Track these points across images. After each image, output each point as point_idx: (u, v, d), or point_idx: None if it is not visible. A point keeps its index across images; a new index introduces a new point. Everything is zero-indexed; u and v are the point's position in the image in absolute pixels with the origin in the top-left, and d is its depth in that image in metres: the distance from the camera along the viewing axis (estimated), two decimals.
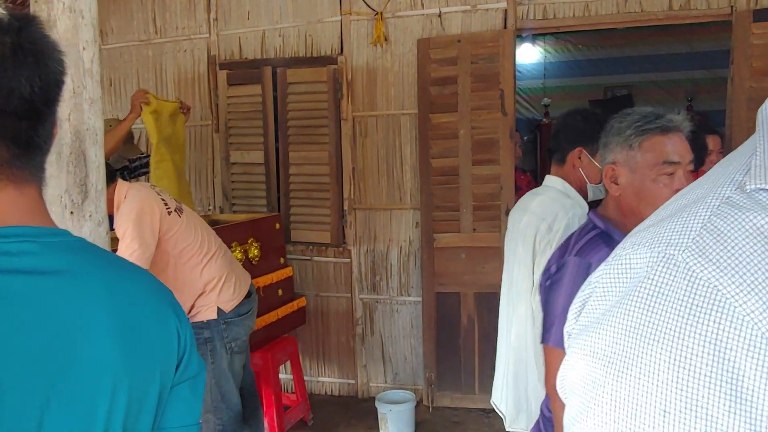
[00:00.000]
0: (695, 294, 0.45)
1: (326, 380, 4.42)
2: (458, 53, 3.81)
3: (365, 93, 4.11)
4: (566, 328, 0.61)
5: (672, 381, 0.44)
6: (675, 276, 0.46)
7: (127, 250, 2.55)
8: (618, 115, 1.58)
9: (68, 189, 1.53)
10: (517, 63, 3.85)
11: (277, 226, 3.88)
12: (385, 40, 4.00)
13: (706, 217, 0.48)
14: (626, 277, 0.50)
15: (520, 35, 4.09)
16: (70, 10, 1.51)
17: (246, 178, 4.42)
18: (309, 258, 4.34)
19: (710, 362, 0.43)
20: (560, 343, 1.46)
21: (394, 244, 4.16)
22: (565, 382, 0.56)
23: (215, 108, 4.41)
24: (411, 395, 3.83)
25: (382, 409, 3.72)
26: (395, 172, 4.10)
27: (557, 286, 1.55)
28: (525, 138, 6.63)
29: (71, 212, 1.54)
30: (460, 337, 3.97)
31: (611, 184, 1.55)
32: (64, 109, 1.51)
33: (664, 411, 0.44)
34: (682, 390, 0.43)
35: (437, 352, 4.03)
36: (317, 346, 4.40)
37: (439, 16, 3.91)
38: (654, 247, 0.49)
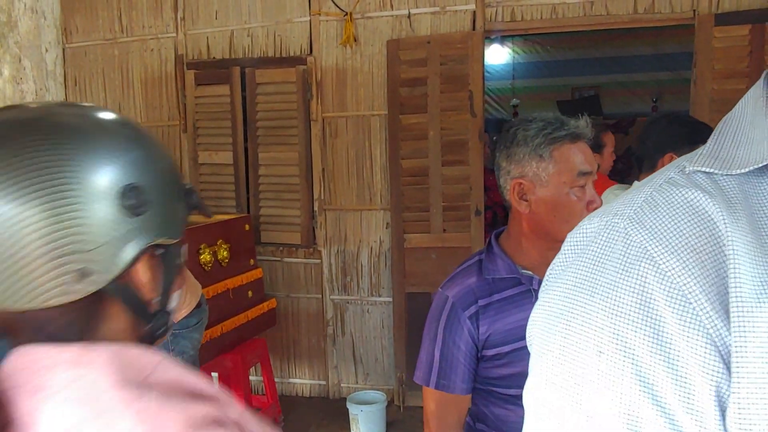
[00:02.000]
0: (629, 254, 0.52)
1: (297, 381, 4.40)
2: (427, 54, 3.82)
3: (335, 94, 4.10)
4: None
5: (606, 326, 0.51)
6: (615, 239, 0.54)
7: None
8: (518, 123, 1.42)
9: None
10: (486, 64, 3.88)
11: (247, 227, 3.85)
12: (355, 40, 3.99)
13: (649, 192, 0.55)
14: (580, 242, 0.58)
15: (488, 37, 4.12)
16: (32, 10, 1.48)
17: (215, 179, 4.38)
18: (279, 259, 4.32)
19: (638, 310, 0.50)
20: (426, 381, 1.50)
21: (364, 244, 4.16)
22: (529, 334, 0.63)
23: (183, 108, 4.36)
24: (382, 395, 3.84)
25: (353, 409, 3.72)
26: (365, 173, 4.10)
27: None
28: (494, 138, 6.68)
29: None
30: None
31: (520, 201, 1.38)
32: None
33: (600, 351, 0.51)
34: (614, 333, 0.50)
35: (408, 352, 4.04)
36: (288, 347, 4.38)
37: (409, 17, 3.92)
38: (603, 217, 0.57)
